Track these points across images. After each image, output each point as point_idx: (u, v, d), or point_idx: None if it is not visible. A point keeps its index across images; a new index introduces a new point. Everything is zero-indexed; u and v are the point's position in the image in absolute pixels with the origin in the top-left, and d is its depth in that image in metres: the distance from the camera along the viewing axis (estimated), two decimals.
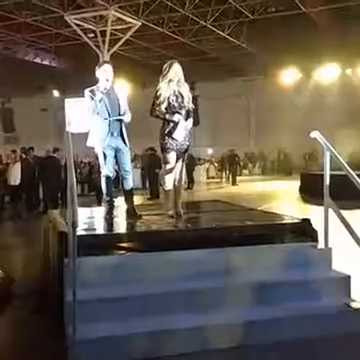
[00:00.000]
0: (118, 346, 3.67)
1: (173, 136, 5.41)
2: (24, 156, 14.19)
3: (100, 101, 5.47)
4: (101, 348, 3.63)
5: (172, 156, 5.49)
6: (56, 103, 35.12)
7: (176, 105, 5.43)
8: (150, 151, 17.68)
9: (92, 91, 5.53)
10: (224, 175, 27.34)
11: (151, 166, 17.33)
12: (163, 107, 5.41)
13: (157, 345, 3.76)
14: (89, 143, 5.64)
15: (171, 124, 5.42)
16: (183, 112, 5.47)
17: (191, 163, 23.15)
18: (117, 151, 5.60)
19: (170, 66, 5.47)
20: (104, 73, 5.58)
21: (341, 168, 4.59)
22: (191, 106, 5.56)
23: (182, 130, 5.43)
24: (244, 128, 34.72)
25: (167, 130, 5.45)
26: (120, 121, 5.59)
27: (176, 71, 5.45)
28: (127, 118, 5.63)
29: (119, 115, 5.56)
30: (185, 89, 5.53)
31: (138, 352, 3.70)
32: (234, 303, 4.10)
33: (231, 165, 25.25)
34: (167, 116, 5.41)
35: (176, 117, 5.39)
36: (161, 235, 4.70)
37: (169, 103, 5.41)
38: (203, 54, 27.37)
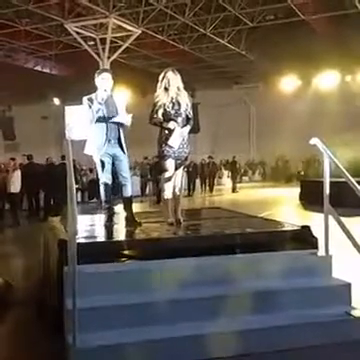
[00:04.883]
0: (118, 354, 3.65)
1: (169, 143, 5.42)
2: (27, 161, 14.12)
3: (98, 111, 5.46)
4: (101, 356, 3.61)
5: (170, 163, 5.48)
6: (57, 111, 35.15)
7: (172, 112, 5.43)
8: (155, 158, 17.82)
9: (90, 100, 5.51)
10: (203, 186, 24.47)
11: (155, 173, 17.44)
12: (159, 114, 5.44)
13: (157, 353, 3.74)
14: (86, 151, 5.64)
15: (167, 131, 5.44)
16: (179, 119, 5.46)
17: (194, 171, 23.15)
18: (115, 158, 5.58)
19: (165, 74, 5.49)
20: (102, 81, 5.55)
21: (341, 175, 4.59)
22: (189, 113, 5.55)
23: (178, 137, 5.43)
24: (244, 135, 34.77)
25: (163, 137, 5.47)
26: (118, 128, 5.58)
27: (170, 79, 5.46)
28: (127, 121, 5.57)
29: (117, 124, 5.54)
30: (183, 96, 5.53)
31: None
32: (234, 311, 4.08)
33: (232, 172, 25.26)
34: (163, 124, 5.43)
35: (171, 124, 5.39)
36: (161, 243, 4.69)
37: (165, 110, 5.43)
38: (203, 62, 27.45)
